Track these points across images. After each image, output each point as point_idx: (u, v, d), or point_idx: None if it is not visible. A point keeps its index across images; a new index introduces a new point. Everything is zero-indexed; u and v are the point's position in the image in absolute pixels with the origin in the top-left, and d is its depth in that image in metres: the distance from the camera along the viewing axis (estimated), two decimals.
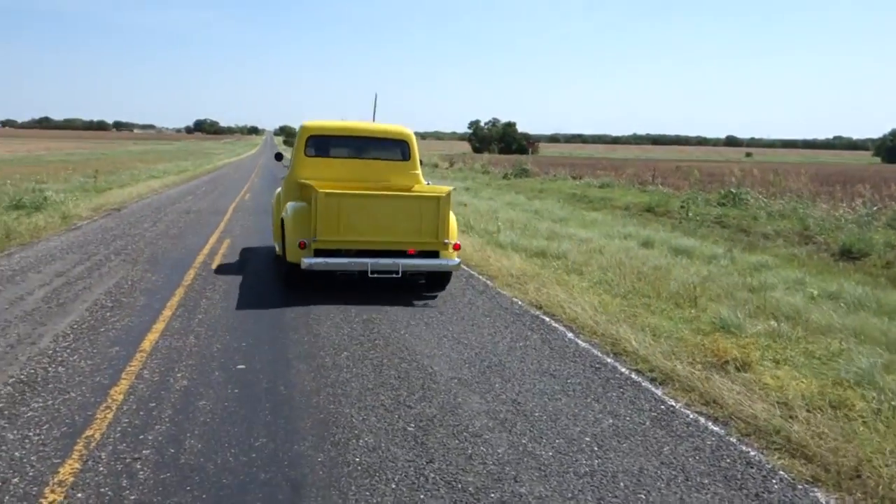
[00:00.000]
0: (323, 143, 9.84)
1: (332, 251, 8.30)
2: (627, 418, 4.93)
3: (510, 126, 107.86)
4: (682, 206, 18.18)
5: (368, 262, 8.15)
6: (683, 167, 37.66)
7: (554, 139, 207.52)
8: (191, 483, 3.76)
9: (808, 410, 4.95)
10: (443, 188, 8.97)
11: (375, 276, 8.21)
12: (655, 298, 8.49)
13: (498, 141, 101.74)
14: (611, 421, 4.87)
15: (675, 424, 4.85)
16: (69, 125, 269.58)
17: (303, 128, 9.82)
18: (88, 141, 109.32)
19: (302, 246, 8.23)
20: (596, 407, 5.12)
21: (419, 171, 9.95)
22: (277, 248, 9.95)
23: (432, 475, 3.95)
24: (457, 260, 8.74)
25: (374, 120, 11.18)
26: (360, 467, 4.01)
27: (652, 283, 9.28)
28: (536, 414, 4.93)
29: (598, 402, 5.21)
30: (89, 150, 69.13)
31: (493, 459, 4.18)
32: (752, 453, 4.43)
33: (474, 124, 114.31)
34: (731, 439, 4.63)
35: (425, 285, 9.11)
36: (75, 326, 6.68)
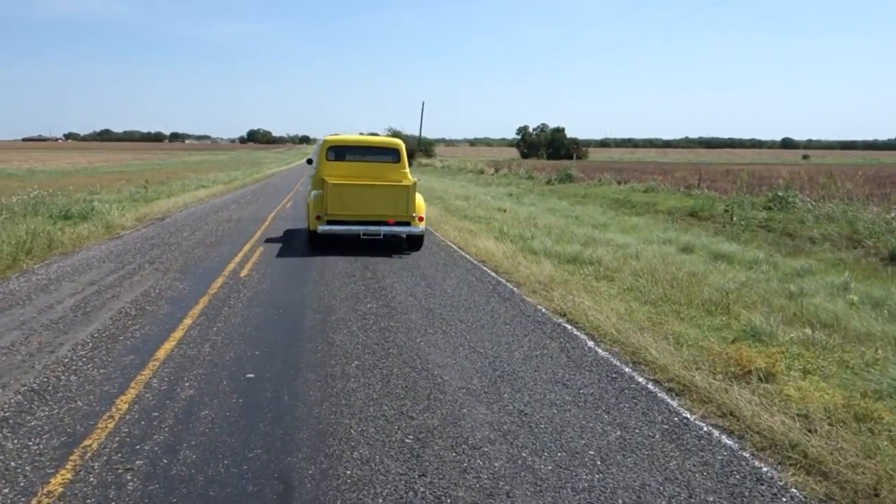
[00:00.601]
0: (339, 151, 13.91)
1: (338, 221, 12.24)
2: (637, 431, 4.75)
3: (559, 131, 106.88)
4: (726, 210, 17.71)
5: (361, 229, 12.20)
6: (733, 170, 36.82)
7: (604, 144, 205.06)
8: (177, 495, 3.72)
9: (829, 424, 4.71)
10: (411, 179, 13.03)
11: (366, 237, 12.30)
12: (686, 306, 8.24)
13: (546, 146, 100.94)
14: (619, 433, 4.69)
15: (686, 438, 4.65)
16: (128, 137, 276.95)
17: (325, 140, 14.21)
18: (146, 152, 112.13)
19: (318, 218, 12.29)
20: (605, 418, 4.95)
21: (407, 170, 13.77)
22: (306, 224, 13.53)
23: (422, 489, 3.84)
24: (421, 227, 12.62)
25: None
26: (349, 480, 3.92)
27: (685, 289, 9.03)
28: (542, 426, 4.78)
29: (609, 414, 5.04)
30: (145, 160, 70.83)
31: (489, 473, 4.05)
32: (765, 469, 4.21)
33: (522, 130, 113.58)
34: (745, 454, 4.42)
35: (407, 248, 12.89)
36: (96, 335, 6.76)
